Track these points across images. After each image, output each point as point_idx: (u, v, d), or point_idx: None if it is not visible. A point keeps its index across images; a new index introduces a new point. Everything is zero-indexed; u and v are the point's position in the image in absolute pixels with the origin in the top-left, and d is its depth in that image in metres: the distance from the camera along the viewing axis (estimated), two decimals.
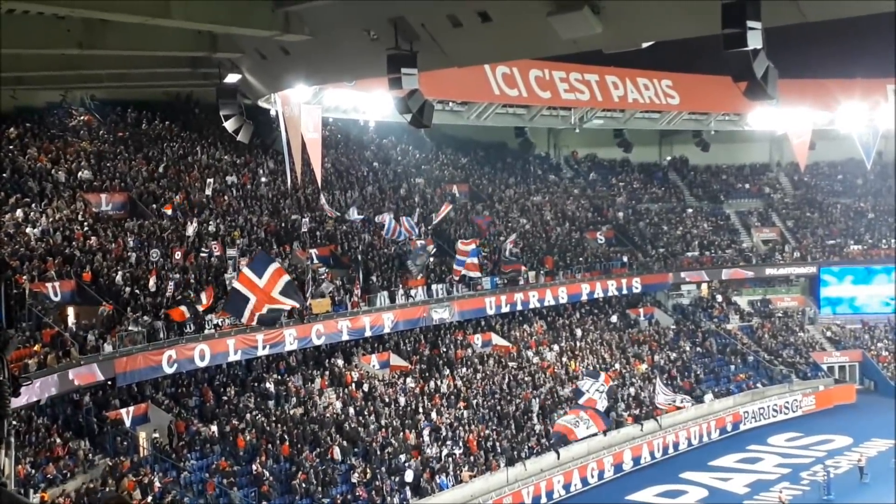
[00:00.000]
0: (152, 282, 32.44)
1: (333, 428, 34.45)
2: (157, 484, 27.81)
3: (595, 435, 39.10)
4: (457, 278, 42.34)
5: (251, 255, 36.01)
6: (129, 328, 29.83)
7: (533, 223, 53.26)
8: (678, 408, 44.57)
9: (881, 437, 42.37)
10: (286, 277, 30.00)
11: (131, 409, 30.96)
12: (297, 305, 31.84)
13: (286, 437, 32.91)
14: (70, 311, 29.95)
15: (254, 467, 30.86)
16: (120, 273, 32.28)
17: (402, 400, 37.77)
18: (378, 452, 34.00)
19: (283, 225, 40.69)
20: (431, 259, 43.10)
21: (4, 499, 7.11)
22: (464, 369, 41.80)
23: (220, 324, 32.55)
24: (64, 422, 29.03)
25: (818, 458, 41.30)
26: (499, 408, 39.78)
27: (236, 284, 29.93)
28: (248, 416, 33.11)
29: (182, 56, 23.04)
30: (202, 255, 35.45)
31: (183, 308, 31.29)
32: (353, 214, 42.46)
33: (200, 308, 31.76)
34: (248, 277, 29.33)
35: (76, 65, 23.20)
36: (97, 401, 30.39)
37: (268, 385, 35.15)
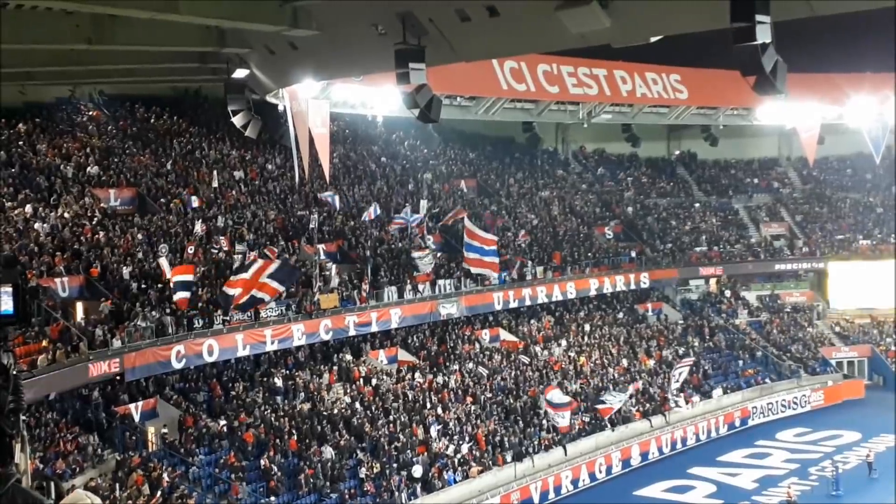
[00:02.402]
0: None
1: (341, 423, 34.47)
2: (166, 478, 27.88)
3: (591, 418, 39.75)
4: (470, 268, 42.09)
5: (259, 251, 36.19)
6: (138, 323, 29.88)
7: (541, 218, 53.21)
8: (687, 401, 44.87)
9: (890, 432, 42.15)
10: (274, 264, 32.25)
11: (140, 404, 31.04)
12: (281, 291, 32.81)
13: (294, 432, 32.97)
14: (79, 306, 30.02)
15: (262, 462, 30.92)
16: (129, 268, 32.30)
17: (409, 395, 37.80)
18: (386, 447, 34.03)
19: (290, 220, 40.73)
20: (439, 255, 43.10)
21: (19, 495, 7.12)
22: (471, 364, 41.82)
23: (228, 319, 32.60)
24: (73, 417, 29.11)
25: (827, 454, 41.23)
26: (507, 403, 39.81)
27: (224, 288, 31.90)
28: (256, 411, 33.17)
29: (190, 51, 23.10)
30: (213, 250, 35.50)
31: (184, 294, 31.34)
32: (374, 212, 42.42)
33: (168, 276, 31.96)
34: (239, 278, 31.80)
35: (85, 60, 23.27)
36: (106, 396, 30.47)
37: (276, 380, 35.20)
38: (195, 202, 37.27)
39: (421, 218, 43.26)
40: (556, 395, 38.60)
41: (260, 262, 32.53)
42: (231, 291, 31.57)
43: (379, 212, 42.75)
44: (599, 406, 40.77)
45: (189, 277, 31.22)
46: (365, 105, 43.46)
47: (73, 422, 28.83)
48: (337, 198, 42.17)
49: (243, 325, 32.87)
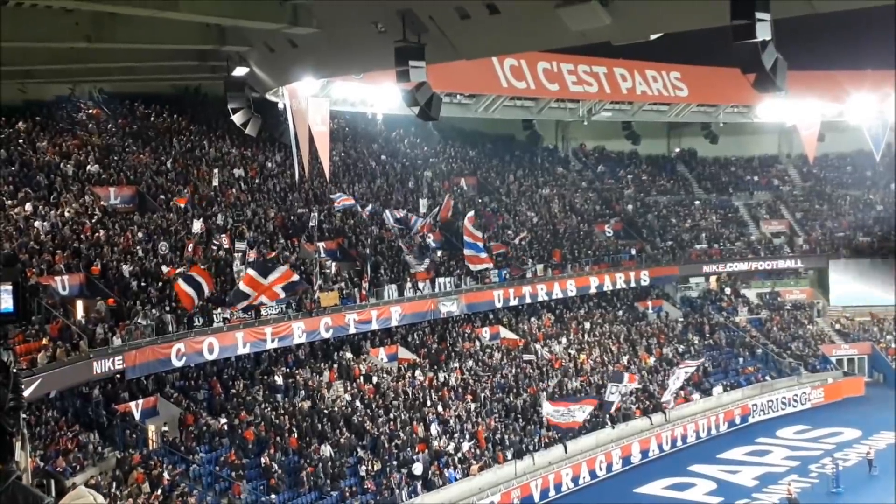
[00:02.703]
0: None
1: (342, 421, 34.48)
2: (167, 476, 27.89)
3: (591, 416, 39.28)
4: (470, 265, 42.10)
5: (259, 249, 36.20)
6: (138, 321, 29.87)
7: (541, 216, 53.20)
8: (686, 400, 44.86)
9: (890, 429, 42.07)
10: (293, 278, 32.31)
11: (140, 402, 31.02)
12: (282, 297, 33.00)
13: (294, 429, 32.99)
14: (79, 304, 30.01)
15: (262, 460, 30.93)
16: (129, 266, 32.27)
17: (410, 393, 37.80)
18: (386, 445, 34.04)
19: (290, 218, 40.72)
20: (439, 253, 43.08)
21: (19, 492, 7.13)
22: (471, 362, 41.81)
23: (228, 317, 32.60)
24: (73, 415, 29.12)
25: (827, 451, 41.22)
26: (507, 401, 39.80)
27: (242, 286, 31.74)
28: (256, 408, 33.17)
29: (190, 49, 23.09)
30: (212, 247, 35.47)
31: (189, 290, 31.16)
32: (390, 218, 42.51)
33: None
34: (253, 277, 31.43)
35: (84, 58, 23.24)
36: (106, 394, 30.47)
37: (276, 378, 35.21)
38: (182, 205, 37.15)
39: (423, 220, 43.21)
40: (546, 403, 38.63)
41: (282, 270, 32.24)
42: (246, 290, 31.50)
43: (375, 207, 42.81)
44: (611, 407, 40.66)
45: (203, 283, 31.01)
46: (365, 103, 43.45)
47: (74, 420, 28.83)
48: (351, 202, 42.22)
49: (243, 324, 32.86)
